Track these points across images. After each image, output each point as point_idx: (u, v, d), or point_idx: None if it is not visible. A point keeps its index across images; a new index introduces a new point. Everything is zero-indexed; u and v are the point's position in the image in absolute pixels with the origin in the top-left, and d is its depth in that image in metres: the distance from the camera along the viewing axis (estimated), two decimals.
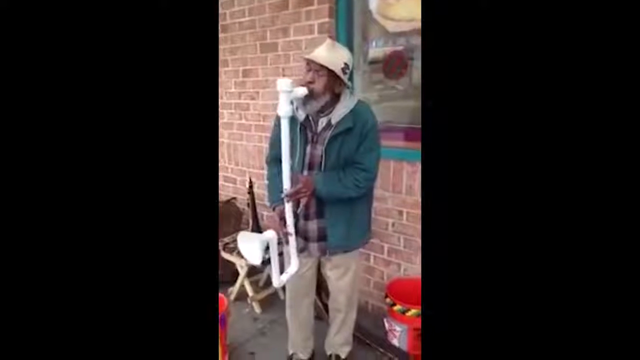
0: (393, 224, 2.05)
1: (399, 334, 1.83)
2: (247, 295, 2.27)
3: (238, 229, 2.60)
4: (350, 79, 2.13)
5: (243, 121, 2.68)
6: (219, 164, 2.91)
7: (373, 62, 2.09)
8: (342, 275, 1.57)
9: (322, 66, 1.29)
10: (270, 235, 1.41)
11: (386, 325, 1.91)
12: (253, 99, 2.58)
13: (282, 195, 1.36)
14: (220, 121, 2.83)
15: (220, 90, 2.77)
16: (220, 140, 2.86)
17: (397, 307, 1.79)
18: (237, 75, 2.63)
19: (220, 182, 2.95)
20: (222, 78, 2.72)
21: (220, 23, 2.62)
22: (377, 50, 2.08)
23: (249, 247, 1.35)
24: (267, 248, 1.43)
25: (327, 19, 2.06)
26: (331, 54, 1.31)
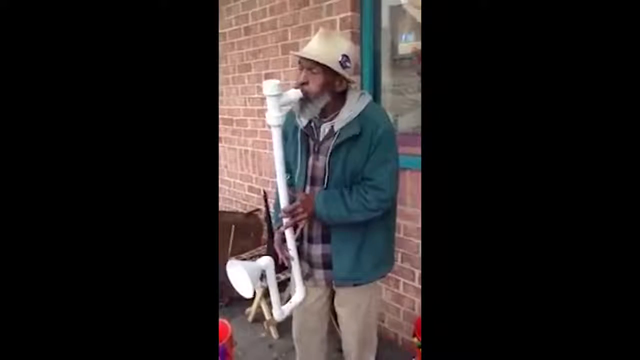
0: None
1: None
2: (264, 317, 2.08)
3: (258, 244, 2.44)
4: (376, 79, 1.91)
5: (266, 128, 2.52)
6: (244, 173, 2.79)
7: (402, 58, 1.81)
8: (350, 314, 1.30)
9: (314, 63, 1.06)
10: (263, 263, 1.20)
11: None
12: None
13: (280, 215, 1.17)
14: (244, 129, 2.70)
15: (244, 97, 2.64)
16: (245, 148, 2.74)
17: None
18: (259, 79, 2.47)
19: (245, 192, 2.82)
20: (245, 83, 2.59)
21: (243, 25, 2.50)
22: (407, 45, 1.80)
23: (238, 277, 1.15)
24: (263, 276, 1.23)
25: (349, 13, 1.82)
26: (324, 47, 1.07)
